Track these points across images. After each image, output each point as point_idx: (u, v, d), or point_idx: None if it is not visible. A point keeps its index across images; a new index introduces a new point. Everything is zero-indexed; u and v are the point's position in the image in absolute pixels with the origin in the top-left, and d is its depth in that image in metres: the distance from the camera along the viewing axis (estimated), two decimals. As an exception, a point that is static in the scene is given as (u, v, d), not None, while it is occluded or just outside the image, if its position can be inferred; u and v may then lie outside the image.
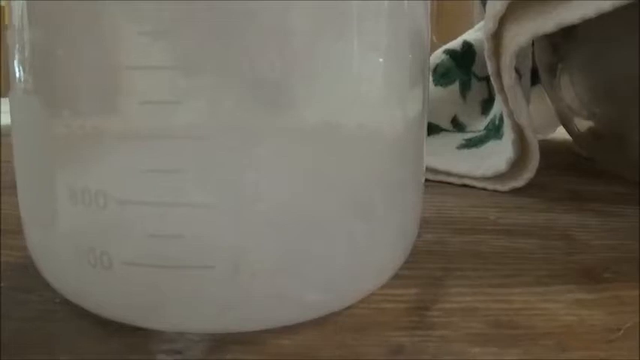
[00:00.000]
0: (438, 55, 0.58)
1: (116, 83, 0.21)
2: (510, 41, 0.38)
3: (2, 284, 0.27)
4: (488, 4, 0.39)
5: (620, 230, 0.36)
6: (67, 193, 0.22)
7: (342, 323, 0.24)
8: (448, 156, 0.48)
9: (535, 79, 0.51)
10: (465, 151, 0.50)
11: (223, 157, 0.21)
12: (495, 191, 0.44)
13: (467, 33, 0.60)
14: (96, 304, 0.24)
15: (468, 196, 0.43)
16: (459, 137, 0.53)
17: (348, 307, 0.25)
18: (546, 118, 0.57)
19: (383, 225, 0.25)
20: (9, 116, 0.24)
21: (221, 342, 0.23)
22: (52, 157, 0.23)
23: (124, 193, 0.22)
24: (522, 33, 0.37)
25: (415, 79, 0.26)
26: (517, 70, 0.42)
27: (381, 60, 0.24)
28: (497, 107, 0.49)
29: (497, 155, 0.44)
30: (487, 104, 0.56)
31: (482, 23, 0.41)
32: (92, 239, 0.22)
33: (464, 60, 0.57)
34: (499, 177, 0.43)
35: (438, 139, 0.54)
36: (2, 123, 0.34)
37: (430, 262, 0.30)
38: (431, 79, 0.57)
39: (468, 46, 0.57)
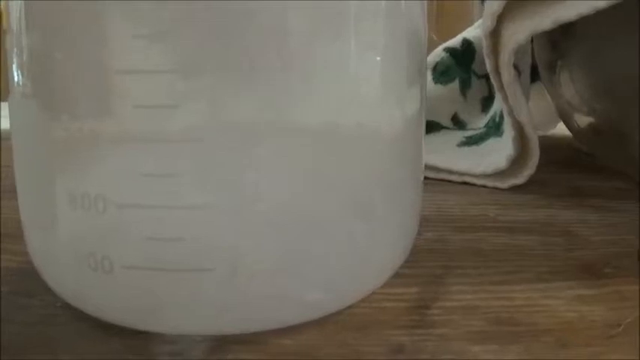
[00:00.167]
0: (437, 54, 0.58)
1: (114, 87, 0.21)
2: (508, 39, 0.38)
3: (3, 289, 0.27)
4: (487, 3, 0.39)
5: (621, 225, 0.36)
6: (67, 197, 0.22)
7: (342, 323, 0.24)
8: (448, 154, 0.48)
9: (535, 76, 0.51)
10: (466, 148, 0.50)
11: (221, 159, 0.21)
12: (495, 188, 0.44)
13: (466, 31, 0.60)
14: (96, 307, 0.24)
15: (468, 194, 0.43)
16: (460, 135, 0.53)
17: (349, 307, 0.25)
18: (546, 115, 0.57)
19: (383, 224, 0.25)
20: (9, 120, 0.24)
21: (222, 342, 0.23)
22: (52, 161, 0.23)
23: (123, 196, 0.22)
24: (520, 31, 0.37)
25: (413, 78, 0.26)
26: (516, 67, 0.42)
27: (378, 59, 0.24)
28: (498, 105, 0.49)
29: (497, 152, 0.44)
30: (487, 102, 0.56)
31: (481, 21, 0.41)
32: (92, 243, 0.22)
33: (464, 58, 0.57)
34: (499, 174, 0.43)
35: (439, 137, 0.54)
36: (2, 127, 0.34)
37: (431, 261, 0.30)
38: (431, 77, 0.57)
39: (467, 44, 0.57)
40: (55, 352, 0.23)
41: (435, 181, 0.46)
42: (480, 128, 0.53)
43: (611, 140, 0.46)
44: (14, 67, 0.23)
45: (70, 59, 0.21)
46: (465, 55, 0.57)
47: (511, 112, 0.41)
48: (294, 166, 0.22)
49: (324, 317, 0.24)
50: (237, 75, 0.21)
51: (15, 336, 0.23)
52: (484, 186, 0.44)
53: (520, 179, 0.43)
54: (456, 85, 0.57)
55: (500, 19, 0.38)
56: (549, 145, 0.51)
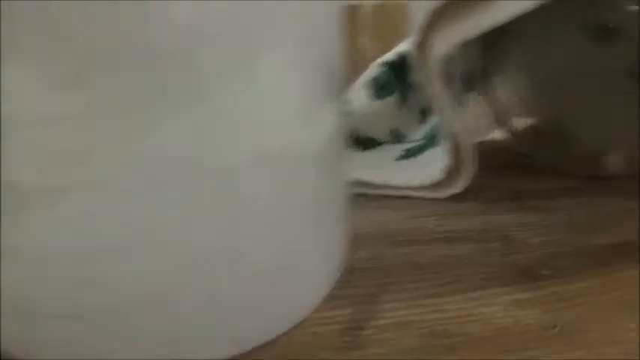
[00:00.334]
0: (375, 68, 0.58)
1: (26, 137, 0.21)
2: (436, 50, 0.38)
3: None
4: (413, 16, 0.39)
5: (559, 225, 0.36)
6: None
7: (277, 351, 0.24)
8: (386, 169, 0.48)
9: (470, 83, 0.51)
10: (404, 162, 0.50)
11: (136, 201, 0.21)
12: (435, 199, 0.44)
13: (402, 44, 0.60)
14: (31, 357, 0.23)
15: (408, 207, 0.43)
16: (399, 148, 0.53)
17: (282, 335, 0.25)
18: (484, 120, 0.57)
19: (309, 247, 0.25)
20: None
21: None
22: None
23: (41, 247, 0.21)
24: (447, 41, 0.37)
25: (329, 97, 0.26)
26: (449, 77, 0.42)
27: (293, 80, 0.24)
28: (434, 116, 0.49)
29: (434, 163, 0.44)
30: (425, 113, 0.56)
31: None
32: (16, 293, 0.22)
33: (401, 71, 0.57)
34: (437, 185, 0.43)
35: (377, 153, 0.53)
36: None
37: (365, 280, 0.30)
38: (368, 92, 0.57)
39: (404, 57, 0.57)
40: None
41: (374, 197, 0.46)
42: (418, 140, 0.53)
43: (553, 140, 0.46)
44: None
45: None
46: (401, 68, 0.57)
47: (443, 122, 0.41)
48: (212, 200, 0.22)
49: (257, 348, 0.24)
50: (151, 117, 0.21)
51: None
52: (423, 198, 0.44)
53: (457, 188, 0.43)
54: (393, 98, 0.57)
55: (427, 31, 0.38)
56: (487, 150, 0.51)
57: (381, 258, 0.33)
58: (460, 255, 0.33)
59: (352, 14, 0.87)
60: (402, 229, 0.38)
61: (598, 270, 0.29)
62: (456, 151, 0.42)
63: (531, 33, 0.42)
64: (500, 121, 0.50)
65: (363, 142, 0.54)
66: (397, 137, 0.56)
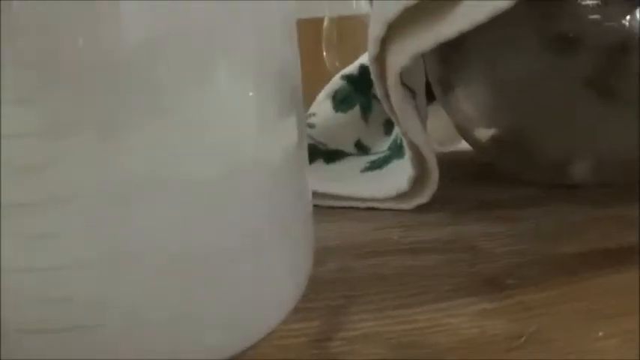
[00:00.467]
0: (336, 82, 0.58)
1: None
2: (393, 62, 0.38)
3: None
4: (370, 28, 0.39)
5: (525, 234, 0.36)
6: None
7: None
8: (352, 181, 0.48)
9: (432, 94, 0.51)
10: (369, 173, 0.50)
11: (101, 216, 0.21)
12: (401, 210, 0.44)
13: (363, 56, 0.60)
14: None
15: (373, 219, 0.43)
16: (364, 160, 0.53)
17: (250, 348, 0.25)
18: (448, 132, 0.57)
19: (272, 260, 0.25)
20: None
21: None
22: None
23: (7, 261, 0.21)
24: (403, 53, 0.37)
25: (287, 110, 0.26)
26: (410, 89, 0.42)
27: (250, 95, 0.24)
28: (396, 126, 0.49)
29: (399, 174, 0.44)
30: (390, 125, 0.56)
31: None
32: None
33: (362, 83, 0.57)
34: (402, 196, 0.43)
35: (343, 165, 0.53)
36: None
37: (332, 292, 0.30)
38: (331, 105, 0.57)
39: (364, 69, 0.57)
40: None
41: (340, 209, 0.46)
42: (383, 152, 0.53)
43: (515, 150, 0.46)
44: None
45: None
46: (362, 80, 0.57)
47: (406, 134, 0.41)
48: (176, 217, 0.22)
49: (226, 360, 0.24)
50: (111, 132, 0.21)
51: None
52: (389, 209, 0.44)
53: (423, 198, 0.43)
54: (356, 111, 0.57)
55: (384, 44, 0.38)
56: (453, 161, 0.51)
57: (348, 270, 0.33)
58: (426, 266, 0.33)
59: (315, 28, 0.88)
60: (367, 240, 0.38)
61: (565, 279, 0.30)
62: (420, 162, 0.42)
63: (490, 43, 0.42)
64: (462, 132, 0.51)
65: (328, 155, 0.54)
66: (362, 149, 0.56)
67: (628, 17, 0.37)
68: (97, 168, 0.21)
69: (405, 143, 0.43)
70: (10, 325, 0.22)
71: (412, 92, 0.43)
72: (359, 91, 0.57)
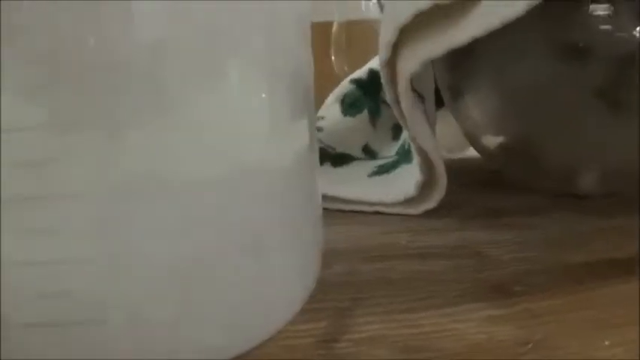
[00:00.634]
0: (344, 85, 0.58)
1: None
2: (404, 67, 0.38)
3: None
4: (381, 33, 0.39)
5: (532, 242, 0.36)
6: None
7: (250, 365, 0.24)
8: (360, 185, 0.48)
9: (441, 100, 0.51)
10: (377, 178, 0.50)
11: (106, 213, 0.21)
12: (408, 215, 0.44)
13: (372, 61, 0.60)
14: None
15: (381, 223, 0.43)
16: (371, 165, 0.53)
17: (256, 347, 0.25)
18: (456, 138, 0.57)
19: (281, 262, 0.25)
20: None
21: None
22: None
23: (8, 254, 0.21)
24: (414, 58, 0.37)
25: (299, 113, 0.26)
26: (419, 94, 0.42)
27: (262, 96, 0.24)
28: (407, 132, 0.49)
29: (407, 179, 0.44)
30: (398, 130, 0.56)
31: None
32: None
33: (371, 88, 0.57)
34: (410, 201, 0.44)
35: (350, 169, 0.54)
36: None
37: (339, 294, 0.30)
38: (339, 109, 0.57)
39: (374, 74, 0.58)
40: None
41: (347, 212, 0.46)
42: (391, 156, 0.53)
43: (521, 157, 0.46)
44: None
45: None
46: (371, 85, 0.57)
47: (414, 139, 0.41)
48: (182, 216, 0.22)
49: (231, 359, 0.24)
50: (117, 129, 0.21)
51: None
52: (397, 214, 0.44)
53: (431, 204, 0.43)
54: (365, 115, 0.57)
55: (395, 49, 0.38)
56: (461, 168, 0.51)
57: (355, 273, 0.33)
58: (433, 271, 0.33)
59: (323, 32, 0.88)
60: (375, 244, 0.38)
61: (571, 287, 0.29)
62: (429, 167, 0.42)
63: (500, 51, 0.42)
64: (471, 138, 0.51)
65: (336, 158, 0.54)
66: (369, 154, 0.56)
67: (639, 28, 0.37)
68: (101, 165, 0.21)
69: (413, 148, 0.43)
70: (10, 320, 0.22)
71: (421, 98, 0.43)
72: (368, 96, 0.57)
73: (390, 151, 0.55)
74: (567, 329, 0.26)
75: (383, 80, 0.40)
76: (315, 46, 0.29)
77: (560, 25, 0.39)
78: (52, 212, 0.21)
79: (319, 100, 0.57)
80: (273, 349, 0.25)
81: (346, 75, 0.61)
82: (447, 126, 0.54)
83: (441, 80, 0.49)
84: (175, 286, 0.22)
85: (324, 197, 0.34)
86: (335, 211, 0.43)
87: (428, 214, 0.44)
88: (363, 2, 0.91)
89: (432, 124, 0.44)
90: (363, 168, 0.53)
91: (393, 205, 0.44)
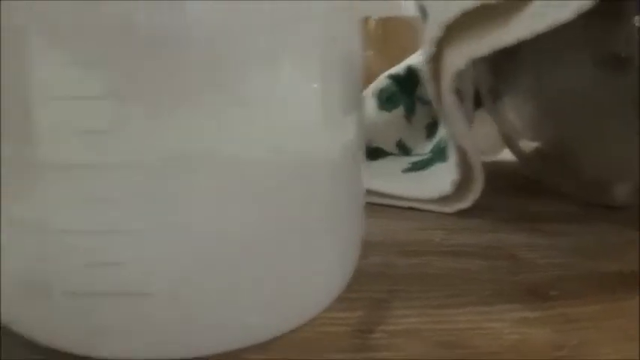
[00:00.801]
0: (381, 80, 0.58)
1: (51, 113, 0.21)
2: (448, 65, 0.38)
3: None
4: (427, 29, 0.39)
5: (567, 249, 0.36)
6: (7, 223, 0.22)
7: (285, 347, 0.24)
8: (394, 179, 0.48)
9: (479, 101, 0.51)
10: (411, 174, 0.50)
11: (158, 185, 0.21)
12: (442, 213, 0.44)
13: (411, 57, 0.60)
14: (40, 333, 0.24)
15: (414, 219, 0.43)
16: (405, 161, 0.53)
17: (292, 331, 0.25)
18: (493, 140, 0.57)
19: (323, 249, 0.25)
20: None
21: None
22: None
23: (62, 222, 0.21)
24: (459, 56, 0.37)
25: (349, 104, 0.26)
26: (459, 93, 0.42)
27: (315, 86, 0.24)
28: (443, 130, 0.49)
29: (442, 177, 0.44)
30: (432, 128, 0.56)
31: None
32: (33, 269, 0.22)
33: (408, 84, 0.57)
34: (445, 199, 0.43)
35: (384, 163, 0.54)
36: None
37: (375, 285, 0.30)
38: (375, 103, 0.57)
39: (411, 71, 0.57)
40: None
41: (381, 206, 0.46)
42: (425, 154, 0.53)
43: (558, 165, 0.46)
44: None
45: (7, 86, 0.21)
46: (408, 81, 0.57)
47: (454, 138, 0.41)
48: (231, 193, 0.22)
49: (267, 341, 0.24)
50: (171, 101, 0.21)
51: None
52: (431, 211, 0.44)
53: (465, 203, 0.43)
54: (400, 111, 0.57)
55: (441, 45, 0.38)
56: (496, 170, 0.51)
57: (391, 266, 0.33)
58: (468, 269, 0.33)
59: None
60: (410, 239, 0.38)
61: (605, 296, 0.29)
62: (466, 167, 0.42)
63: (542, 56, 0.42)
64: (508, 141, 0.50)
65: (370, 152, 0.54)
66: (403, 149, 0.56)
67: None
68: (154, 137, 0.21)
69: (451, 147, 0.43)
70: (56, 287, 0.22)
71: (461, 97, 0.43)
72: (404, 92, 0.57)
73: (423, 149, 0.55)
74: (602, 337, 0.26)
75: (425, 77, 0.40)
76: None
77: (603, 35, 0.39)
78: (105, 182, 0.21)
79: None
80: (309, 334, 0.25)
81: (381, 71, 0.61)
82: (481, 128, 0.54)
83: (481, 81, 0.49)
84: (220, 263, 0.22)
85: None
86: (368, 204, 0.43)
87: (461, 213, 0.43)
88: (403, 2, 0.91)
89: (470, 124, 0.44)
90: (397, 163, 0.52)
91: (428, 202, 0.44)
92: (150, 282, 0.22)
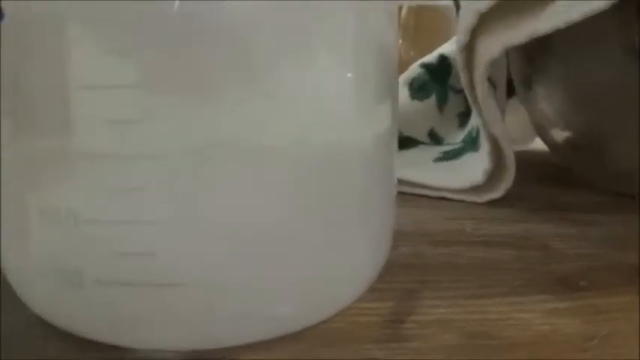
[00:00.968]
0: (414, 69, 0.58)
1: (81, 102, 0.21)
2: (483, 53, 0.38)
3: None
4: (461, 17, 0.39)
5: (597, 239, 0.36)
6: (38, 213, 0.22)
7: (316, 337, 0.24)
8: (425, 169, 0.48)
9: (511, 90, 0.51)
10: (442, 163, 0.50)
11: (190, 175, 0.21)
12: (472, 203, 0.44)
13: (443, 46, 0.60)
14: (69, 322, 0.24)
15: (445, 209, 0.43)
16: (437, 150, 0.53)
17: (323, 321, 0.25)
18: (523, 130, 0.57)
19: (355, 239, 0.25)
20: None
21: (195, 357, 0.23)
22: (22, 177, 0.23)
23: (93, 212, 0.22)
24: (494, 44, 0.37)
25: (383, 94, 0.26)
26: (492, 82, 0.42)
27: (349, 75, 0.24)
28: (475, 120, 0.49)
29: (474, 167, 0.44)
30: (464, 117, 0.56)
31: (457, 36, 0.41)
32: (64, 259, 0.22)
33: (440, 73, 0.57)
34: (476, 188, 0.43)
35: (416, 152, 0.54)
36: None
37: (406, 275, 0.30)
38: (407, 93, 0.57)
39: (443, 59, 0.58)
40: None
41: (412, 195, 0.46)
42: (456, 143, 0.53)
43: (588, 154, 0.46)
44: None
45: (38, 75, 0.21)
46: (441, 70, 0.57)
47: (486, 126, 0.41)
48: (263, 183, 0.22)
49: (298, 332, 0.24)
50: (205, 92, 0.21)
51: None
52: (461, 200, 0.44)
53: (497, 193, 0.43)
54: (432, 100, 0.57)
55: (475, 33, 0.38)
56: (527, 160, 0.51)
57: (421, 256, 0.33)
58: (498, 259, 0.33)
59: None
60: (439, 229, 0.38)
61: (634, 287, 0.29)
62: (498, 156, 0.42)
63: (573, 48, 0.42)
64: (539, 130, 0.50)
65: (401, 142, 0.54)
66: (435, 139, 0.56)
67: None
68: (186, 127, 0.21)
69: (483, 136, 0.43)
70: (88, 275, 0.22)
71: (494, 86, 0.43)
72: (436, 81, 0.57)
73: (455, 138, 0.55)
74: (632, 328, 0.26)
75: (459, 65, 0.40)
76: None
77: (634, 26, 0.39)
78: (138, 171, 0.21)
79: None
80: (341, 324, 0.25)
81: (412, 59, 0.61)
82: (513, 117, 0.54)
83: (514, 70, 0.49)
84: (249, 253, 0.22)
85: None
86: (399, 194, 0.43)
87: (491, 203, 0.44)
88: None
89: (502, 113, 0.44)
90: (428, 152, 0.53)
91: (459, 191, 0.44)
92: (179, 272, 0.22)
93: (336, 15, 0.23)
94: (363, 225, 0.25)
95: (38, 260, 0.23)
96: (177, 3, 0.20)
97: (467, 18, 0.38)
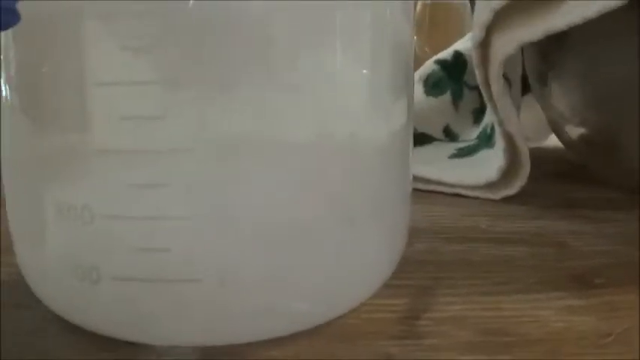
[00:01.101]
0: (428, 66, 0.58)
1: (100, 99, 0.21)
2: (498, 50, 0.38)
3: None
4: (476, 14, 0.39)
5: (612, 236, 0.36)
6: (55, 209, 0.22)
7: (332, 333, 0.24)
8: (440, 165, 0.48)
9: (526, 87, 0.51)
10: (457, 160, 0.50)
11: (207, 171, 0.21)
12: (487, 200, 0.44)
13: (458, 43, 0.60)
14: (86, 318, 0.24)
15: (460, 205, 0.43)
16: (451, 147, 0.53)
17: (338, 318, 0.25)
18: (538, 126, 0.57)
19: (370, 235, 0.25)
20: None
21: (211, 354, 0.23)
22: (39, 173, 0.23)
23: (109, 208, 0.22)
24: (510, 41, 0.37)
25: (399, 90, 0.26)
26: (507, 79, 0.42)
27: (364, 72, 0.24)
28: (489, 116, 0.49)
29: (488, 164, 0.44)
30: (479, 114, 0.56)
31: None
32: (80, 255, 0.22)
33: (455, 70, 0.57)
34: (491, 185, 0.43)
35: (430, 149, 0.54)
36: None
37: (421, 272, 0.30)
38: (422, 89, 0.57)
39: (458, 56, 0.57)
40: (44, 364, 0.23)
41: (426, 192, 0.46)
42: (471, 140, 0.53)
43: (603, 151, 0.46)
44: (2, 80, 0.23)
45: (56, 72, 0.22)
46: (456, 66, 0.57)
47: (501, 123, 0.41)
48: (280, 178, 0.22)
49: (313, 328, 0.24)
50: (223, 87, 0.21)
51: (4, 348, 0.23)
52: (476, 197, 0.44)
53: (512, 190, 0.43)
54: (447, 97, 0.57)
55: (490, 30, 0.38)
56: (541, 157, 0.51)
57: (436, 252, 0.33)
58: (513, 256, 0.33)
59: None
60: (454, 226, 0.38)
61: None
62: (513, 153, 0.42)
63: (589, 44, 0.42)
64: (554, 127, 0.50)
65: (416, 138, 0.54)
66: (450, 135, 0.56)
67: None
68: (204, 123, 0.21)
69: (497, 133, 0.43)
70: (104, 271, 0.22)
71: (508, 83, 0.43)
72: (451, 78, 0.57)
73: (470, 135, 0.55)
74: (648, 325, 0.26)
75: (474, 62, 0.40)
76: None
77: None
78: (154, 168, 0.21)
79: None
80: (356, 320, 0.25)
81: (427, 56, 0.61)
82: (527, 114, 0.54)
83: (529, 67, 0.49)
84: (267, 249, 0.22)
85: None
86: (414, 190, 0.43)
87: (506, 200, 0.44)
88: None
89: (517, 110, 0.44)
90: (443, 149, 0.53)
91: (473, 188, 0.44)
92: (197, 268, 0.22)
93: (353, 11, 0.23)
94: (378, 221, 0.25)
95: (54, 257, 0.23)
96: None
97: (482, 14, 0.38)
